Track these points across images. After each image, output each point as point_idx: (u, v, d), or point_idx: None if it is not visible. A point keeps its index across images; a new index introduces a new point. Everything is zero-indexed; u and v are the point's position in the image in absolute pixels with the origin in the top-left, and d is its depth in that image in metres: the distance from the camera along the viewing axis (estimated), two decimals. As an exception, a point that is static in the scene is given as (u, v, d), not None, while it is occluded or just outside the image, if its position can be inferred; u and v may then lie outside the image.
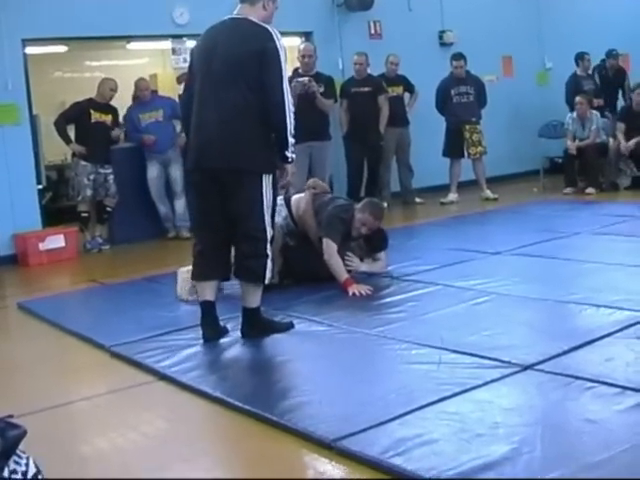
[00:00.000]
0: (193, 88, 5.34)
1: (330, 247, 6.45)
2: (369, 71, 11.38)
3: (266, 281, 5.29)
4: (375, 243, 6.84)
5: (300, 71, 10.12)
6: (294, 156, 5.35)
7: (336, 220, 6.58)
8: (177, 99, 11.04)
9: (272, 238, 5.29)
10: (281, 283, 6.57)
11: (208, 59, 5.24)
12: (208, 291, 5.43)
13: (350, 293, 6.27)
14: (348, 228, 6.62)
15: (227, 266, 5.45)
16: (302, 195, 6.98)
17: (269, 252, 5.22)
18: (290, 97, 5.15)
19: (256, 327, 5.41)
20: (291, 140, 5.17)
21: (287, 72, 5.24)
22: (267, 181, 5.17)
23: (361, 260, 6.80)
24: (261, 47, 5.07)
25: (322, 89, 10.00)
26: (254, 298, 5.34)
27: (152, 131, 10.42)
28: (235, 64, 5.11)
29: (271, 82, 5.07)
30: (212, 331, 5.43)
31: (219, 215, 5.26)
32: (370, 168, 11.36)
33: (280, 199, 6.53)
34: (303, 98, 9.23)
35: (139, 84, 10.68)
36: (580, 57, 13.12)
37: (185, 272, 6.39)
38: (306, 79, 9.57)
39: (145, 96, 10.62)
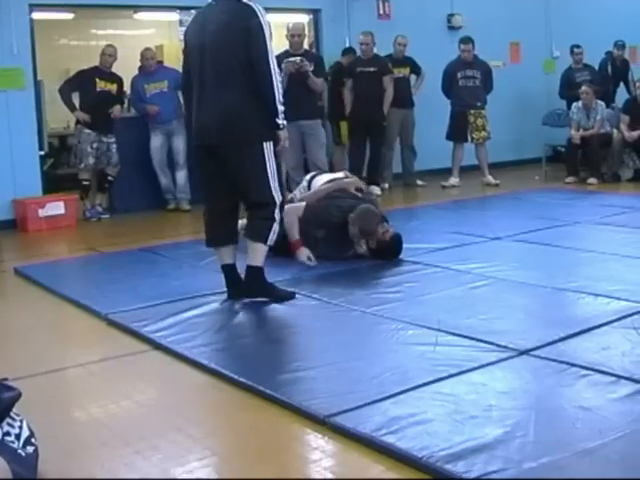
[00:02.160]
0: (190, 71, 5.66)
1: (297, 209, 6.69)
2: (375, 51, 11.32)
3: (269, 242, 5.55)
4: (383, 254, 6.73)
5: (290, 50, 10.03)
6: (285, 122, 5.60)
7: (330, 209, 6.70)
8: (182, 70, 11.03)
9: (281, 203, 5.61)
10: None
11: (200, 44, 5.54)
12: (226, 255, 5.74)
13: (300, 259, 6.49)
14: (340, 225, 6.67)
15: (235, 231, 5.76)
16: (327, 176, 7.17)
17: (277, 216, 5.54)
18: (276, 67, 5.47)
19: (257, 287, 5.63)
20: (280, 107, 5.46)
21: (272, 43, 5.49)
22: (268, 148, 5.49)
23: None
24: (246, 24, 5.40)
25: (312, 68, 9.95)
26: (257, 257, 5.59)
27: (156, 101, 10.42)
28: (225, 43, 5.42)
29: (258, 55, 5.38)
30: (236, 290, 5.72)
31: (223, 185, 5.57)
32: (372, 149, 11.34)
33: (305, 184, 7.17)
34: (294, 77, 9.26)
35: (145, 53, 10.64)
36: (571, 50, 13.12)
37: None
38: (298, 59, 9.56)
39: (151, 65, 10.60)
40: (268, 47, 5.39)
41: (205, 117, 5.50)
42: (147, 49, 10.77)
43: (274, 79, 5.38)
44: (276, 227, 5.53)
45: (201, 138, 5.58)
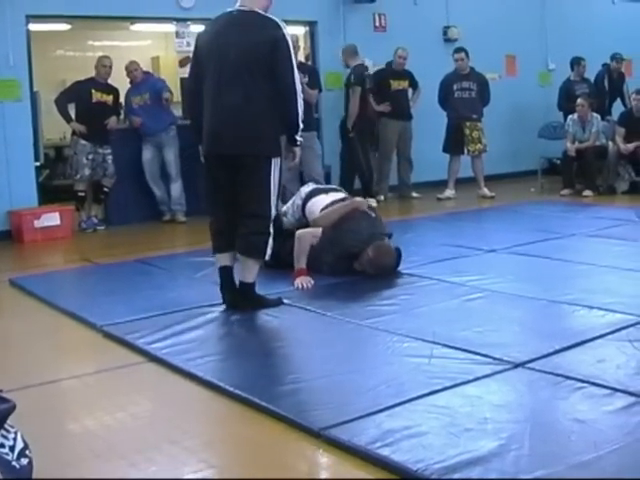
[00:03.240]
0: (199, 77, 5.63)
1: (313, 236, 6.52)
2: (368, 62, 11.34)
3: (266, 257, 5.60)
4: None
5: None
6: (302, 140, 5.71)
7: (349, 238, 6.55)
8: (179, 82, 11.09)
9: (275, 218, 5.68)
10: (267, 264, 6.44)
11: (220, 50, 5.50)
12: (224, 258, 5.76)
13: (295, 285, 6.30)
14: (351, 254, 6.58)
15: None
16: (324, 199, 6.99)
17: (271, 230, 5.56)
18: (299, 83, 5.50)
19: (249, 301, 5.67)
20: (301, 124, 5.53)
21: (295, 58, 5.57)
22: (275, 164, 5.50)
23: None
24: (272, 37, 5.40)
25: (306, 79, 9.96)
26: (252, 273, 5.64)
27: (140, 114, 10.46)
28: (248, 55, 5.41)
29: (283, 69, 5.42)
30: (230, 294, 5.77)
31: (231, 195, 5.57)
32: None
33: (299, 202, 6.98)
34: None
35: (128, 66, 10.67)
36: (576, 62, 13.13)
37: None
38: None
39: (135, 77, 10.61)
40: (293, 60, 5.46)
41: (221, 125, 5.50)
42: (131, 62, 10.76)
43: (298, 94, 5.44)
44: (271, 241, 5.58)
45: (213, 145, 5.58)
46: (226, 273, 5.77)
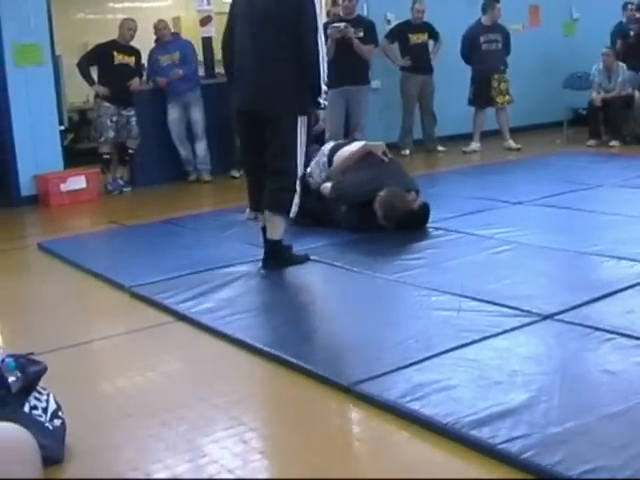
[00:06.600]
0: (234, 33, 5.68)
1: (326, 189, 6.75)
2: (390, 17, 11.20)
3: (291, 214, 5.61)
4: (410, 223, 6.54)
5: (341, 14, 9.98)
6: (326, 103, 5.66)
7: (358, 189, 6.56)
8: (200, 42, 11.05)
9: (302, 176, 5.69)
10: (297, 222, 6.35)
11: (249, 7, 5.55)
12: (263, 219, 5.78)
13: None
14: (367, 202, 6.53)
15: None
16: (349, 149, 7.01)
17: (297, 188, 5.56)
18: (324, 46, 5.46)
19: (278, 259, 5.69)
20: (324, 87, 5.45)
21: (321, 20, 5.56)
22: (302, 122, 5.52)
23: None
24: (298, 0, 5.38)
25: (361, 34, 9.86)
26: (279, 230, 5.66)
27: (169, 73, 10.38)
28: (274, 14, 5.43)
29: (305, 30, 5.38)
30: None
31: (261, 152, 5.59)
32: None
33: (324, 160, 7.00)
34: (340, 43, 9.20)
35: (157, 24, 10.57)
36: (624, 7, 12.88)
37: None
38: (342, 25, 9.51)
39: (164, 35, 10.54)
40: (317, 22, 5.41)
41: (248, 85, 5.56)
42: (160, 20, 10.70)
43: (320, 57, 5.39)
44: (297, 199, 5.58)
45: (242, 103, 5.66)
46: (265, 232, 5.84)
